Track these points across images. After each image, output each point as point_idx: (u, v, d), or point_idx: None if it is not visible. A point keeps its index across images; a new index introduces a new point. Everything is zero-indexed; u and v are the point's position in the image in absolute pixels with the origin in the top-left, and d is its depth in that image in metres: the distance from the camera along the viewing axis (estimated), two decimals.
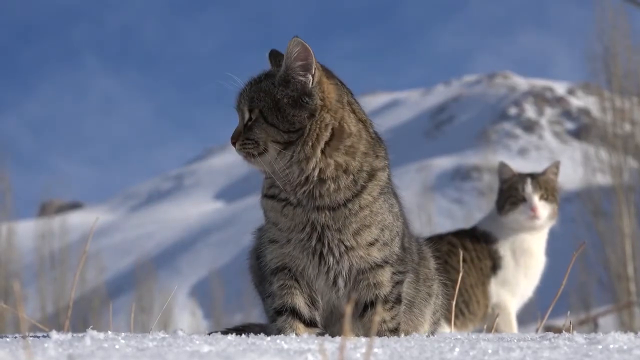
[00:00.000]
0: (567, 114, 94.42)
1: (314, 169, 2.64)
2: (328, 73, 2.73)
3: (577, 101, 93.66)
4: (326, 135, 2.64)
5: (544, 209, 4.95)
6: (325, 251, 2.70)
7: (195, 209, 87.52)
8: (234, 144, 2.72)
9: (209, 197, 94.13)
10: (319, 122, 2.64)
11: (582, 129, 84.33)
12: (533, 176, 5.04)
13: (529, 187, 4.93)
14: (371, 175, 2.72)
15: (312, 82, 2.65)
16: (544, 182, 5.03)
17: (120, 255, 69.24)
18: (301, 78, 2.65)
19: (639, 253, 21.93)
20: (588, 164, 24.53)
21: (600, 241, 22.27)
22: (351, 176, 2.68)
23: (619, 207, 21.92)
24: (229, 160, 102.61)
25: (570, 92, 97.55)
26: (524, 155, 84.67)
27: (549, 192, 5.02)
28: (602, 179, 23.95)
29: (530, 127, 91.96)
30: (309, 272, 2.73)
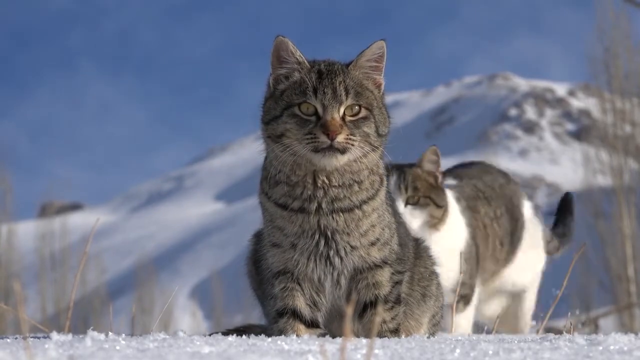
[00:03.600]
0: (568, 115, 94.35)
1: (360, 173, 2.67)
2: None
3: (578, 102, 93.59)
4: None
5: (412, 219, 3.79)
6: (332, 253, 2.71)
7: (195, 210, 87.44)
8: (332, 136, 2.54)
9: (210, 198, 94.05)
10: None
11: (583, 130, 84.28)
12: (401, 171, 3.84)
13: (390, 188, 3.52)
14: (382, 179, 2.77)
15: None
16: (413, 180, 3.83)
17: (121, 256, 69.19)
18: (380, 80, 2.70)
19: None
20: (588, 165, 24.51)
21: (600, 242, 22.25)
22: (371, 178, 2.72)
23: (619, 208, 21.89)
24: (230, 161, 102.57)
25: (571, 93, 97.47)
26: (524, 156, 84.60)
27: (419, 192, 3.80)
28: (603, 180, 23.93)
29: (530, 128, 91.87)
30: (315, 274, 2.73)
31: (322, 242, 2.69)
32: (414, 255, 3.04)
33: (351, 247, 2.71)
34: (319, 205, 2.65)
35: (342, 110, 2.59)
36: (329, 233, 2.68)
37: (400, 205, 3.66)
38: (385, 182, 2.80)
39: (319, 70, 2.65)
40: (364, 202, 2.70)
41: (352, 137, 2.57)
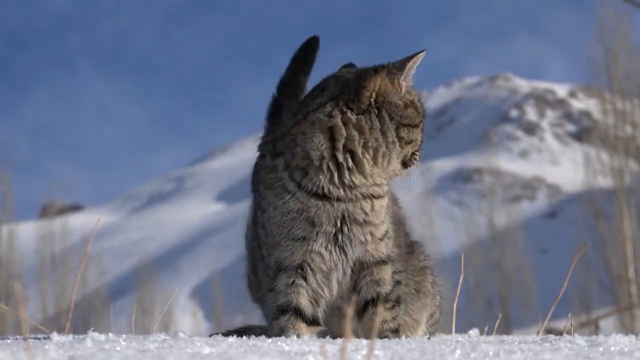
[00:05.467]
0: (568, 116, 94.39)
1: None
2: None
3: (578, 103, 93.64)
4: None
5: None
6: (347, 243, 2.75)
7: (196, 210, 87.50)
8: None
9: (210, 199, 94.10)
10: None
11: (583, 131, 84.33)
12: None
13: None
14: None
15: None
16: None
17: (121, 257, 69.23)
18: None
19: None
20: (589, 166, 24.53)
21: (601, 243, 22.26)
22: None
23: (620, 209, 21.90)
24: (230, 162, 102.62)
25: (571, 94, 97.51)
26: (525, 157, 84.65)
27: None
28: (603, 181, 23.94)
29: (531, 129, 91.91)
30: (329, 265, 2.75)
31: (340, 231, 2.75)
32: (407, 250, 3.06)
33: (360, 241, 2.76)
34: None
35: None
36: (347, 220, 2.74)
37: None
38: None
39: None
40: (380, 195, 2.78)
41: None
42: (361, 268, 2.78)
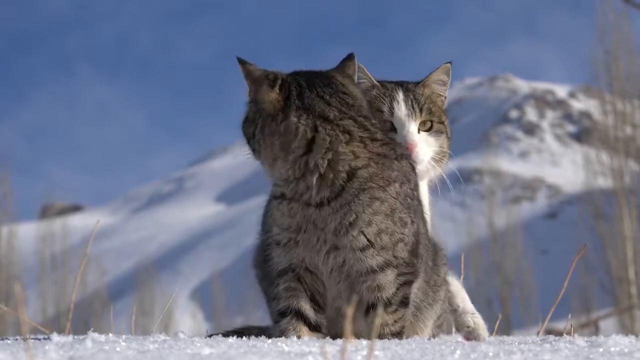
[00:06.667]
0: (569, 117, 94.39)
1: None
2: None
3: (579, 104, 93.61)
4: None
5: (426, 148, 3.10)
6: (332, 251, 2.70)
7: (196, 211, 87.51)
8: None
9: (210, 200, 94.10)
10: None
11: (584, 132, 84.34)
12: (407, 88, 3.14)
13: (401, 109, 3.09)
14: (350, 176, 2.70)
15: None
16: (426, 101, 3.14)
17: (121, 257, 69.24)
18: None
19: None
20: (589, 167, 24.54)
21: (601, 244, 22.26)
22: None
23: (620, 210, 21.91)
24: (230, 163, 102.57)
25: (572, 95, 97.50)
26: (525, 158, 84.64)
27: (434, 116, 3.13)
28: (603, 181, 23.94)
29: (531, 130, 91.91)
30: (320, 269, 2.73)
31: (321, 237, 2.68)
32: (432, 262, 3.01)
33: (335, 246, 2.69)
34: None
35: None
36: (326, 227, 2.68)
37: (412, 130, 3.07)
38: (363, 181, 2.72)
39: None
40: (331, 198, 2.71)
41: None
42: (357, 275, 2.71)
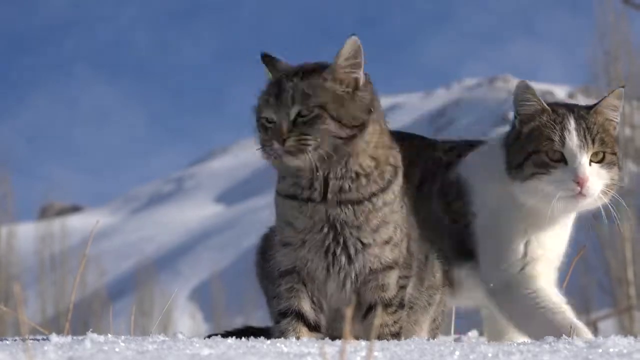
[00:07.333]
0: None
1: (359, 164, 2.67)
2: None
3: None
4: (375, 129, 2.69)
5: (597, 181, 2.95)
6: (338, 251, 2.70)
7: (195, 212, 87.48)
8: (281, 140, 2.60)
9: (210, 200, 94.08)
10: (372, 118, 2.68)
11: None
12: (579, 115, 2.96)
13: (573, 139, 2.90)
14: (396, 171, 2.75)
15: (363, 79, 2.70)
16: (599, 130, 2.97)
17: (121, 258, 69.20)
18: (354, 75, 2.69)
19: (639, 257, 21.92)
20: None
21: (600, 245, 22.26)
22: (380, 169, 2.71)
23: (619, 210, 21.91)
24: (230, 163, 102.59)
25: (571, 96, 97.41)
26: None
27: (607, 147, 2.96)
28: None
29: None
30: (321, 274, 2.73)
31: (331, 235, 2.68)
32: (425, 262, 3.02)
33: (362, 244, 2.69)
34: (323, 197, 2.68)
35: (293, 113, 2.65)
36: (338, 225, 2.67)
37: (583, 163, 2.90)
38: (401, 179, 2.78)
39: None
40: (374, 194, 2.69)
41: (303, 136, 2.63)
42: (370, 272, 2.72)
